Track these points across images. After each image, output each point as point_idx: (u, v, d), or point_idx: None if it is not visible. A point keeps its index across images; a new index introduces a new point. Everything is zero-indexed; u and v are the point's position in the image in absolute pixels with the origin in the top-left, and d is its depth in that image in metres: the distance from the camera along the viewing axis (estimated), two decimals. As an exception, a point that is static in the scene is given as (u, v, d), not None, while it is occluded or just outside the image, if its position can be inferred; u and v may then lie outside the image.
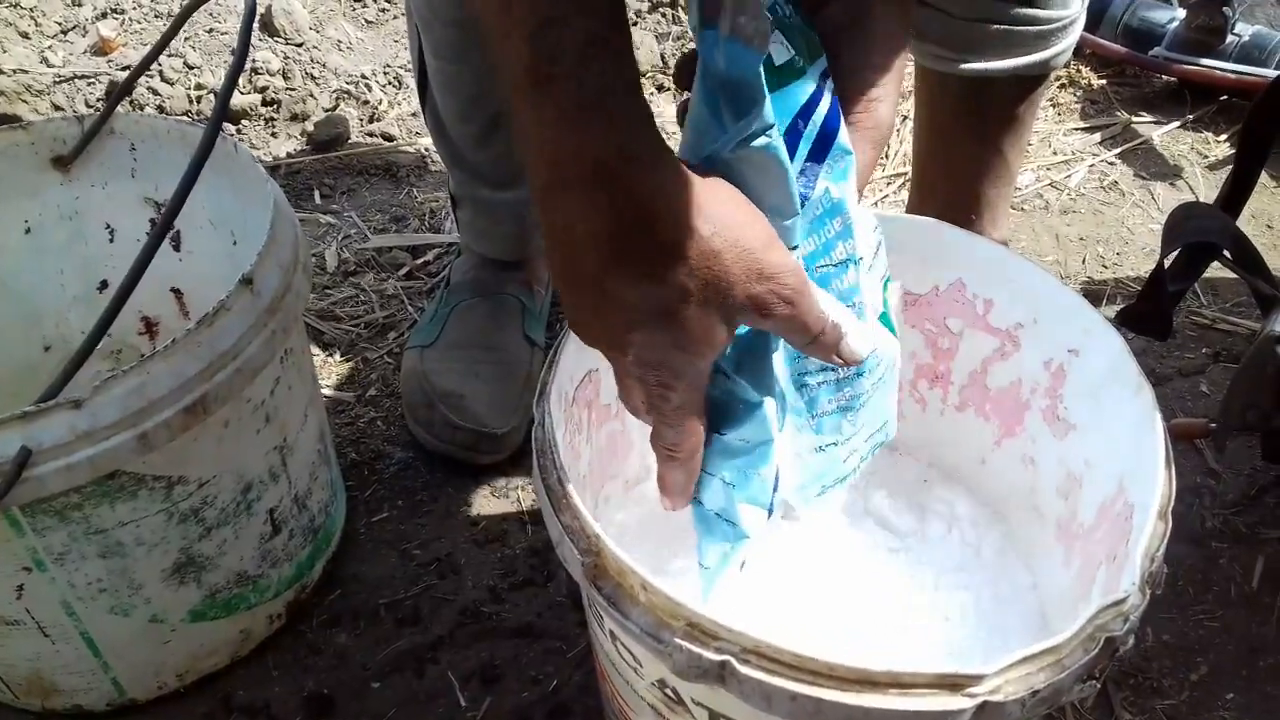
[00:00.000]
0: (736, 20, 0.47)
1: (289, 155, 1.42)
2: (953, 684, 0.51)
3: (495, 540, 0.95)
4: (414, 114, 1.50)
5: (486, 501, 0.99)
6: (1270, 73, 1.41)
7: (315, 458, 0.86)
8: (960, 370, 0.80)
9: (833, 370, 0.60)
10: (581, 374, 0.71)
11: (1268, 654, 0.87)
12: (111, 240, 0.94)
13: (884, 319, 0.62)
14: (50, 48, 1.54)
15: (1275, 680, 0.86)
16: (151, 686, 0.82)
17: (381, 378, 1.11)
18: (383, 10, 1.67)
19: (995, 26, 0.87)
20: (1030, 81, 0.93)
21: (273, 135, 1.46)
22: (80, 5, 1.61)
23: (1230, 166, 0.96)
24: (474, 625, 0.89)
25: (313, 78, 1.53)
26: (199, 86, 1.49)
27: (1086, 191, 1.37)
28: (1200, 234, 0.92)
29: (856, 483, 0.85)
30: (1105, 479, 0.68)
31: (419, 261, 1.25)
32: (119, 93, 0.85)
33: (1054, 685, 0.52)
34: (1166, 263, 0.93)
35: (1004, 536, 0.81)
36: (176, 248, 0.93)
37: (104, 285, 0.96)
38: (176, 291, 0.97)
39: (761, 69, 0.48)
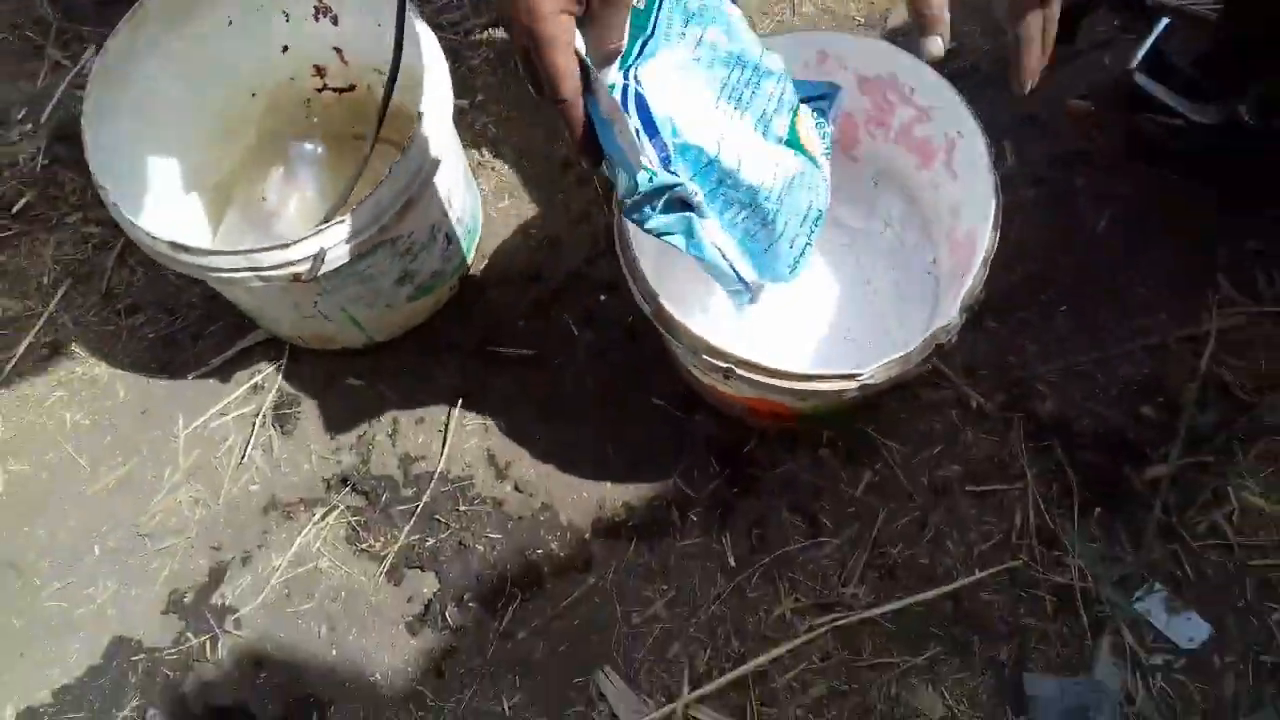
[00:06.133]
0: None
1: None
2: (848, 377, 0.98)
3: (583, 220, 1.38)
4: None
5: (574, 190, 1.41)
6: None
7: (464, 193, 1.28)
8: (895, 123, 1.18)
9: (742, 208, 0.88)
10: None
11: (1097, 284, 1.31)
12: (287, 21, 1.29)
13: (792, 143, 0.89)
14: None
15: (1100, 301, 1.30)
16: (387, 334, 1.33)
17: (485, 85, 1.47)
18: None
19: None
20: None
21: None
22: None
23: None
24: (576, 281, 1.35)
25: None
26: None
27: None
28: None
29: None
30: (968, 217, 1.10)
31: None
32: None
33: (903, 373, 0.99)
34: None
35: (920, 231, 1.23)
36: (335, 24, 1.28)
37: (285, 49, 1.32)
38: (338, 49, 1.33)
39: None
